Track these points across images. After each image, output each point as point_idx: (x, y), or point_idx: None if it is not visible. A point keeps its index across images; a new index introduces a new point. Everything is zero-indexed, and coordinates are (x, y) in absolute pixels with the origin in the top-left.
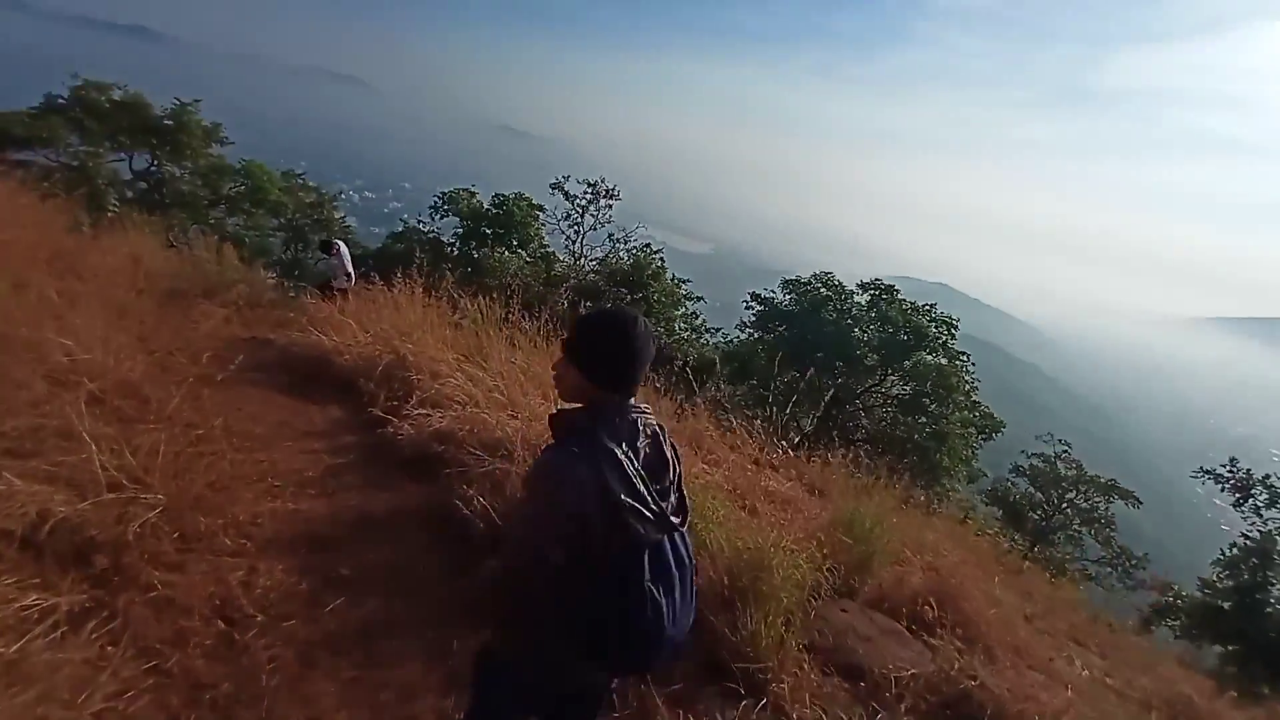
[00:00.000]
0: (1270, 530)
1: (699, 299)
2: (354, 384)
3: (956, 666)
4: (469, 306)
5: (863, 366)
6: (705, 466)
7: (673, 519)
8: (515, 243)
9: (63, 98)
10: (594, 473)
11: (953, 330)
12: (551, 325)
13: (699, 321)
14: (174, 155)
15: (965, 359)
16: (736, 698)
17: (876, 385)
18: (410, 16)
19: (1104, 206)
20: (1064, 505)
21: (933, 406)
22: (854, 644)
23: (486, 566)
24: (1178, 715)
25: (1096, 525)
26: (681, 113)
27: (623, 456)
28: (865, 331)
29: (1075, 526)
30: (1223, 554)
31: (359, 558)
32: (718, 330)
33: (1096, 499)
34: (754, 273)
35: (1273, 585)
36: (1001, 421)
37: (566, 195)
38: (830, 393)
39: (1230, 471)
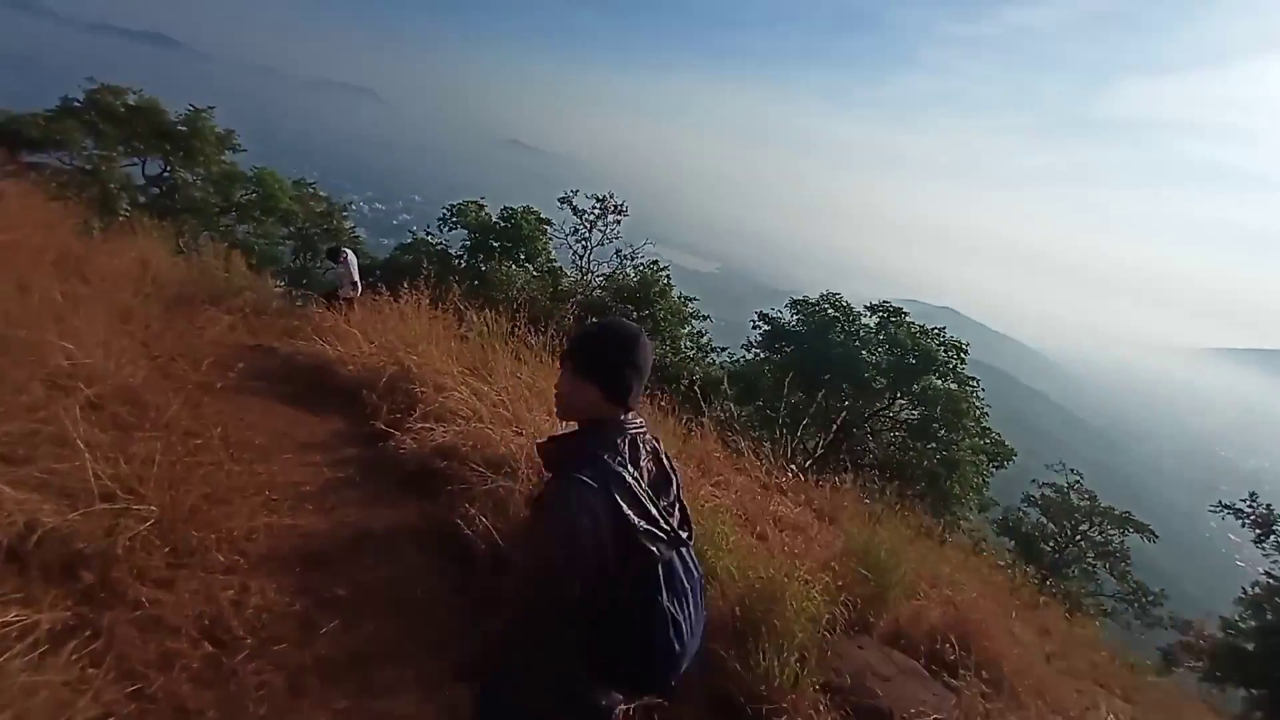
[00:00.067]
0: None
1: (705, 317)
2: (357, 395)
3: (983, 709)
4: (475, 319)
5: (871, 389)
6: (713, 489)
7: (681, 534)
8: (523, 256)
9: (78, 101)
10: (608, 501)
11: (962, 355)
12: (558, 340)
13: (705, 340)
14: (187, 161)
15: (975, 384)
16: None
17: (884, 409)
18: (424, 31)
19: (1109, 234)
20: (1077, 537)
21: (942, 432)
22: (873, 684)
23: (494, 615)
24: None
25: (1111, 559)
26: (690, 132)
27: (631, 480)
28: (873, 354)
29: (1089, 560)
30: (1245, 593)
31: (356, 577)
32: (724, 350)
33: (1111, 531)
34: (760, 292)
35: None
36: (1013, 450)
37: (575, 210)
38: (841, 415)
39: (1250, 506)
